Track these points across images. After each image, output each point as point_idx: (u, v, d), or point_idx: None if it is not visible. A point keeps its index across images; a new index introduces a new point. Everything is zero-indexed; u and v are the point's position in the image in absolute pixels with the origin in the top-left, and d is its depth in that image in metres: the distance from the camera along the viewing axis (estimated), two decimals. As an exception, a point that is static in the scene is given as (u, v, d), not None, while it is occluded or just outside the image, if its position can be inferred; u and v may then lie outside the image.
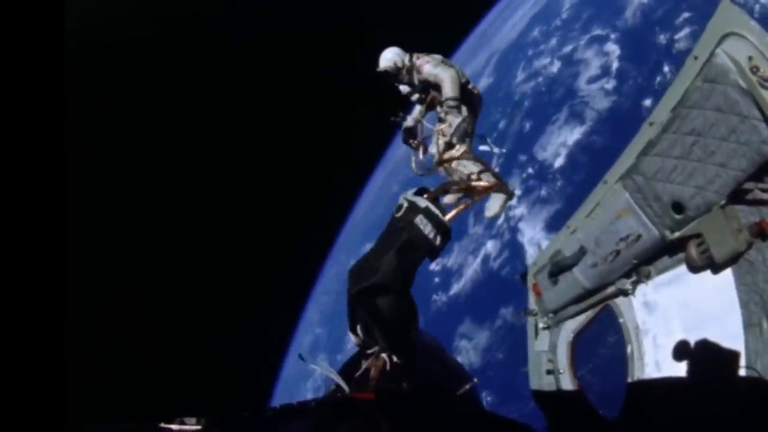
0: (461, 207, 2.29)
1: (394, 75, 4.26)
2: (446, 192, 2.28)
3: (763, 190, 3.12)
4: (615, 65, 26.57)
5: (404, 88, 4.35)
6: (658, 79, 22.87)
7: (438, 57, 4.20)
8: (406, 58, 4.23)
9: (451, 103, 3.86)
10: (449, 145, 3.91)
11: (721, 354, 3.31)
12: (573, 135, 26.46)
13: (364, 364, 1.88)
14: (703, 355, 3.43)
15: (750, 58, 2.85)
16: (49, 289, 1.26)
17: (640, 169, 3.68)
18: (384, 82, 4.37)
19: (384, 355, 1.90)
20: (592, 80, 27.40)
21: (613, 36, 27.95)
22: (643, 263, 3.97)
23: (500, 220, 27.76)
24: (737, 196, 3.23)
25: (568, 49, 31.31)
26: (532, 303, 5.02)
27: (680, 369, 3.57)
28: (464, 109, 4.06)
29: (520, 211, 27.07)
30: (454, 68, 4.10)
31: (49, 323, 1.24)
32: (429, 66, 4.06)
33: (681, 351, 3.62)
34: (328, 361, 2.04)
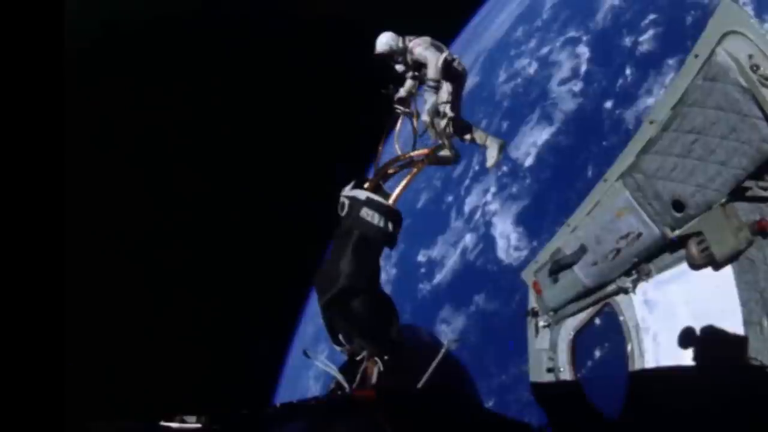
0: (406, 182, 2.20)
1: (390, 56, 4.78)
2: (386, 175, 2.20)
3: (763, 189, 3.12)
4: (584, 67, 27.73)
5: (399, 68, 4.89)
6: (620, 81, 23.80)
7: (428, 39, 4.72)
8: (399, 41, 4.75)
9: (431, 83, 4.45)
10: (438, 115, 4.57)
11: (721, 351, 3.31)
12: (542, 135, 28.14)
13: (360, 368, 1.86)
14: (703, 353, 3.44)
15: (750, 57, 2.85)
16: (49, 289, 1.27)
17: (641, 167, 3.68)
18: (380, 65, 4.85)
19: (375, 358, 1.87)
20: (563, 82, 28.61)
21: (585, 38, 28.97)
22: (644, 261, 3.97)
23: (477, 215, 30.60)
24: (737, 194, 3.23)
25: (545, 50, 32.42)
26: (532, 301, 5.01)
27: (680, 366, 3.58)
28: (445, 86, 4.67)
29: (494, 206, 29.51)
30: (440, 51, 4.61)
31: (49, 322, 1.25)
32: (420, 48, 4.61)
33: (681, 348, 3.62)
34: (328, 351, 2.02)
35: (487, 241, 28.65)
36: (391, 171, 2.23)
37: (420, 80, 4.79)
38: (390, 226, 2.01)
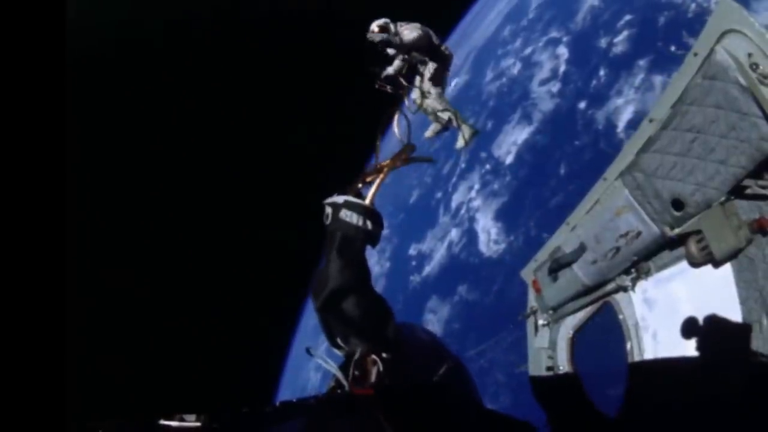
0: (377, 184, 2.27)
1: (385, 32, 5.41)
2: (364, 182, 2.32)
3: (763, 187, 3.12)
4: (562, 68, 29.00)
5: (391, 51, 5.53)
6: (594, 82, 24.93)
7: (417, 25, 5.43)
8: (392, 25, 5.45)
9: (404, 49, 5.25)
10: (424, 94, 5.44)
11: (721, 348, 3.32)
12: (522, 134, 29.89)
13: (358, 367, 1.88)
14: (703, 350, 3.45)
15: (749, 55, 2.85)
16: (49, 288, 1.27)
17: (640, 165, 3.68)
18: (373, 51, 5.65)
19: (373, 356, 1.91)
20: (543, 83, 30.03)
21: (565, 39, 30.10)
22: (643, 260, 3.98)
23: (462, 211, 32.81)
24: (737, 192, 3.23)
25: (528, 50, 33.84)
26: (531, 300, 5.03)
27: (680, 364, 3.59)
28: (430, 65, 5.43)
29: (477, 202, 31.64)
30: (424, 32, 5.38)
31: (49, 322, 1.25)
32: (407, 32, 5.36)
33: (681, 346, 3.63)
34: (326, 344, 2.06)
35: (471, 235, 30.92)
36: (369, 179, 2.34)
37: (409, 63, 5.44)
38: (369, 224, 2.07)
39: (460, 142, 5.75)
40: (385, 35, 5.41)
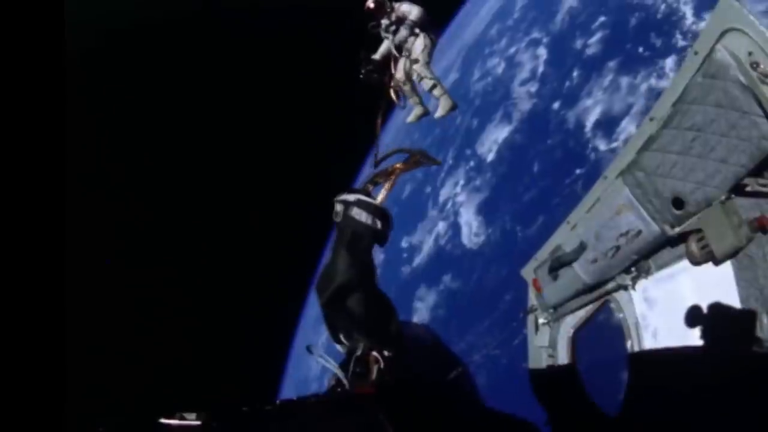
0: (388, 186, 2.35)
1: (379, 11, 5.69)
2: (375, 183, 2.40)
3: (763, 185, 3.12)
4: (541, 69, 30.69)
5: (384, 21, 5.78)
6: (567, 83, 26.24)
7: (411, 2, 5.74)
8: (388, 2, 5.78)
9: (409, 23, 5.58)
10: (412, 62, 5.70)
11: (722, 346, 3.32)
12: (503, 133, 31.84)
13: (360, 364, 1.89)
14: (703, 348, 3.45)
15: (750, 54, 2.85)
16: (49, 288, 1.27)
17: (641, 164, 3.68)
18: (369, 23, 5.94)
19: (374, 353, 1.92)
20: (523, 83, 31.88)
21: (545, 40, 31.60)
22: (643, 258, 3.97)
23: (448, 205, 35.20)
24: (738, 191, 3.23)
25: (512, 50, 35.59)
26: (532, 298, 5.03)
27: (680, 364, 3.59)
28: (422, 37, 5.71)
29: (462, 197, 33.95)
30: (420, 9, 5.70)
31: (50, 322, 1.25)
32: (405, 6, 5.67)
33: (681, 344, 3.63)
34: (326, 335, 2.09)
35: (455, 228, 33.27)
36: (379, 180, 2.41)
37: (408, 31, 5.75)
38: (378, 223, 2.12)
39: (438, 113, 6.03)
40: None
